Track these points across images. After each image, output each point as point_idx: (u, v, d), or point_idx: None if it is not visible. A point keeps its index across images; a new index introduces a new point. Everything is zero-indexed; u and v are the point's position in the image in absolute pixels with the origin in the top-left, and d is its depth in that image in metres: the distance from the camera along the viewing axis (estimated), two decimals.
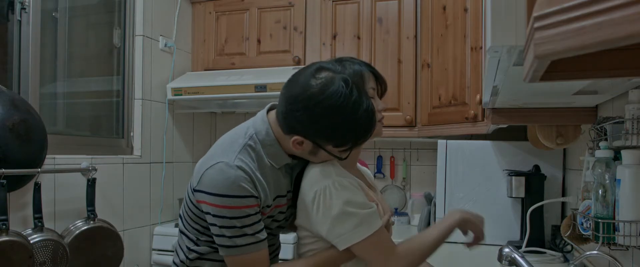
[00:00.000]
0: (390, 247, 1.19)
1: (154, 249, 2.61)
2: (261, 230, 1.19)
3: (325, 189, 1.16)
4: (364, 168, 1.50)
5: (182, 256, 1.30)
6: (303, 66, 1.28)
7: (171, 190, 2.83)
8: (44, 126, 1.89)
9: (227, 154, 1.17)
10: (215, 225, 1.16)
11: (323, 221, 1.17)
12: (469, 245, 1.37)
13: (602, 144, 1.30)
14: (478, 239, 1.34)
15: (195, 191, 1.20)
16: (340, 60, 1.27)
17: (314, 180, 1.19)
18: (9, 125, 1.74)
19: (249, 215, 1.15)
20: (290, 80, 1.20)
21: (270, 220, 1.26)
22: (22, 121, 1.79)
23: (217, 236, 1.17)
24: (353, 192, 1.17)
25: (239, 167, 1.14)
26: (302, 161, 1.27)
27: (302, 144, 1.18)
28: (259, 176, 1.18)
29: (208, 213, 1.17)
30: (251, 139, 1.21)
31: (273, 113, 1.24)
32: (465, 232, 1.34)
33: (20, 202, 1.90)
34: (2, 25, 2.00)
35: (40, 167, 1.87)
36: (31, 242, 1.82)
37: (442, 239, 1.25)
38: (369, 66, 1.30)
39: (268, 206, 1.22)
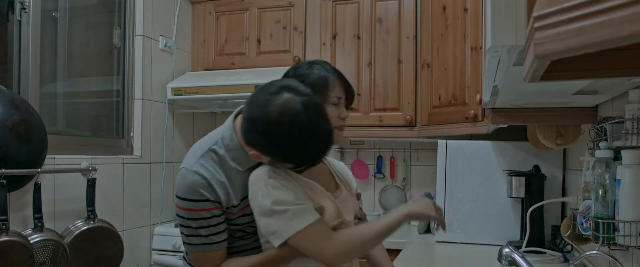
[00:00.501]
0: (327, 235, 1.19)
1: (154, 249, 2.61)
2: (218, 233, 1.26)
3: (258, 191, 1.20)
4: (339, 164, 1.51)
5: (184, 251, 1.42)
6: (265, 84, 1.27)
7: (171, 190, 2.83)
8: (44, 126, 1.89)
9: (190, 160, 1.27)
10: (177, 223, 1.30)
11: (258, 221, 1.22)
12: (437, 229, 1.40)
13: (602, 144, 1.30)
14: (442, 226, 1.33)
15: None
16: (310, 64, 1.30)
17: (250, 182, 1.24)
18: (9, 125, 1.74)
19: (204, 218, 1.24)
20: (251, 99, 1.20)
21: (247, 217, 1.30)
22: (22, 121, 1.79)
23: (180, 232, 1.30)
24: (284, 192, 1.18)
25: (196, 172, 1.23)
26: None
27: (259, 157, 1.22)
28: (222, 179, 1.24)
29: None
30: (216, 143, 1.27)
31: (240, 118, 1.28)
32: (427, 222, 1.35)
33: (20, 202, 1.90)
34: (2, 25, 2.00)
35: (40, 167, 1.87)
36: (31, 242, 1.82)
37: (385, 234, 1.23)
38: (338, 74, 1.32)
39: (234, 206, 1.27)
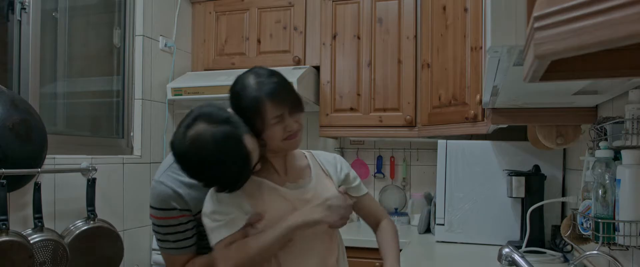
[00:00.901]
0: (223, 253, 1.25)
1: (154, 249, 2.61)
2: (185, 239, 1.38)
3: None
4: (327, 156, 1.47)
5: None
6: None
7: None
8: (44, 126, 1.89)
9: (159, 171, 1.39)
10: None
11: None
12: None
13: (602, 144, 1.30)
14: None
15: None
16: (244, 85, 1.24)
17: None
18: (9, 125, 1.74)
19: (172, 225, 1.35)
20: (179, 123, 1.25)
21: None
22: (22, 121, 1.79)
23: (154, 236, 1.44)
24: (210, 205, 1.27)
25: (163, 183, 1.34)
26: None
27: None
28: (187, 187, 1.34)
29: None
30: None
31: None
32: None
33: (19, 202, 1.90)
34: (2, 25, 2.00)
35: (40, 167, 1.87)
36: (31, 242, 1.82)
37: (271, 248, 1.24)
38: (273, 90, 1.23)
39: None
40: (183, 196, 1.32)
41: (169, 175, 1.34)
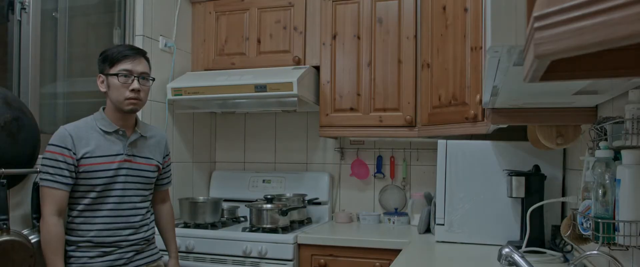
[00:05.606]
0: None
1: None
2: (61, 175, 1.78)
3: None
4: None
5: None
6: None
7: (171, 190, 2.82)
8: (37, 125, 1.89)
9: (70, 123, 1.89)
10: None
11: None
12: None
13: (602, 144, 1.30)
14: None
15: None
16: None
17: None
18: (0, 123, 1.74)
19: (56, 159, 1.78)
20: None
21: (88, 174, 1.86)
22: (14, 119, 1.78)
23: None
24: None
25: (66, 128, 1.84)
26: None
27: None
28: (82, 136, 1.86)
29: None
30: (90, 117, 1.93)
31: None
32: None
33: (14, 201, 1.90)
34: (2, 25, 2.00)
35: (32, 166, 1.87)
36: (31, 241, 1.82)
37: None
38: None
39: (86, 157, 1.84)
40: (74, 141, 1.77)
41: (73, 124, 1.83)
